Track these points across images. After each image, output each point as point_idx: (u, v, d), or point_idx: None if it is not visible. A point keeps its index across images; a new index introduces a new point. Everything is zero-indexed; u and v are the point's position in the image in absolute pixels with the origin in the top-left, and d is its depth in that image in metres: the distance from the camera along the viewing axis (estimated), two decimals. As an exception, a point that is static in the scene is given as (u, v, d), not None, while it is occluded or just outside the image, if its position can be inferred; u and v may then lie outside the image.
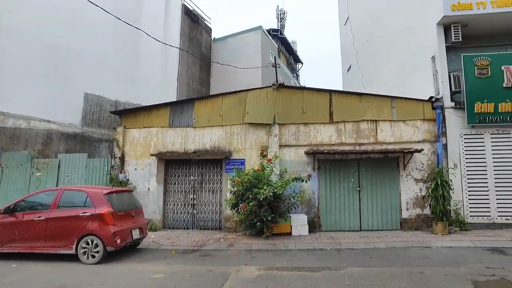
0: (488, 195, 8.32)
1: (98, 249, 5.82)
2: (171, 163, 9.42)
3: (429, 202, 8.09)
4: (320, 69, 72.72)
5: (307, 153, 8.60)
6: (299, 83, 29.88)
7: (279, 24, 28.67)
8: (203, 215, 9.18)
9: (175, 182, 9.40)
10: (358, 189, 8.60)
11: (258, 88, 9.09)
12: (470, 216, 8.30)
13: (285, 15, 29.04)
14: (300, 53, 35.79)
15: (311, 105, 8.80)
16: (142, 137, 9.39)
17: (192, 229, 9.11)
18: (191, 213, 9.22)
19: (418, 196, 8.52)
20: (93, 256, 5.83)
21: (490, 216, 8.28)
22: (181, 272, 5.30)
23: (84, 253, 5.86)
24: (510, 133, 8.38)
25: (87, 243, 5.85)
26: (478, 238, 7.22)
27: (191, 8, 17.37)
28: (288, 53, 27.47)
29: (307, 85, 23.09)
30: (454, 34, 8.61)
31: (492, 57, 8.40)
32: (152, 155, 9.13)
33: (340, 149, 8.47)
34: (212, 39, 18.95)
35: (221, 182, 9.15)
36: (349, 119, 8.72)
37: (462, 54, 8.57)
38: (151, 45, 12.79)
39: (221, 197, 9.04)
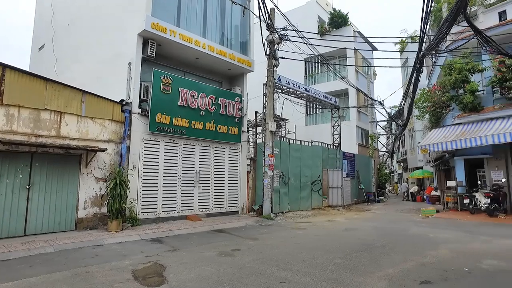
0: (157, 193, 11.40)
1: None
2: None
3: (107, 200, 9.80)
4: (4, 38, 63.23)
5: (-44, 138, 7.75)
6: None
7: None
8: None
9: None
10: (28, 186, 8.83)
11: None
12: (142, 212, 10.94)
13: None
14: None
15: (-27, 78, 8.11)
16: None
17: None
18: None
19: (97, 195, 10.08)
20: None
21: (156, 211, 11.34)
22: None
23: None
24: (178, 143, 12.10)
25: None
26: (145, 232, 9.64)
27: None
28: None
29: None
30: (150, 49, 11.36)
31: (174, 78, 11.85)
32: None
33: (9, 139, 8.38)
34: None
35: None
36: (28, 105, 8.87)
37: (153, 69, 11.44)
38: None
39: None
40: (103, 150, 9.93)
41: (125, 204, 10.08)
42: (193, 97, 12.34)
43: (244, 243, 8.60)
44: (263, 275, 5.63)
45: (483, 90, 15.42)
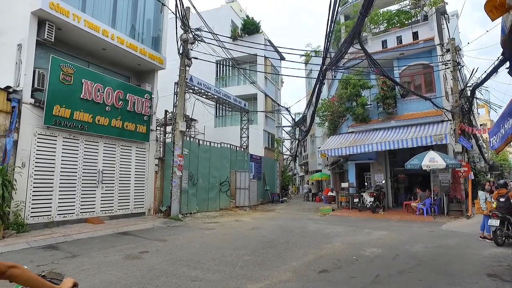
0: (51, 194, 10.27)
1: None
2: None
3: (-16, 204, 8.41)
4: None
5: None
6: None
7: None
8: None
9: None
10: None
11: None
12: (31, 216, 9.71)
13: None
14: None
15: None
16: None
17: None
18: None
19: (-32, 198, 8.56)
20: None
21: (50, 215, 10.21)
22: None
23: None
24: (79, 140, 11.13)
25: None
26: (35, 239, 8.50)
27: None
28: None
29: None
30: (48, 32, 10.17)
31: (77, 68, 10.88)
32: None
33: None
34: None
35: None
36: None
37: (51, 55, 10.29)
38: None
39: None
40: (-19, 144, 8.57)
41: (9, 208, 8.85)
42: (99, 90, 11.49)
43: (152, 245, 8.40)
44: (174, 276, 5.64)
45: (370, 104, 18.09)
